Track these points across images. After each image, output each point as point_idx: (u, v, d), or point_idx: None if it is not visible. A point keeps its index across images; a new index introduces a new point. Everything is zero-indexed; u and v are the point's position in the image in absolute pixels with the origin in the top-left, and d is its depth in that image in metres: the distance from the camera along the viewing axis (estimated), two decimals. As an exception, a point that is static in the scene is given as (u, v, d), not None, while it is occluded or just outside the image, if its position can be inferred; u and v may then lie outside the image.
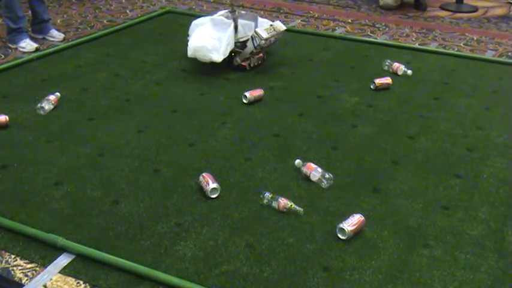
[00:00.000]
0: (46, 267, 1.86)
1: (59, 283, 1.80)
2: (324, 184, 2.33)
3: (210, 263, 1.89)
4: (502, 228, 2.12)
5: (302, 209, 2.14)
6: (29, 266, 1.87)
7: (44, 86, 3.19)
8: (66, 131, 2.74)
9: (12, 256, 1.91)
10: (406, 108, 3.08)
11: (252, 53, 3.43)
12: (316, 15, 4.86)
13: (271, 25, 3.41)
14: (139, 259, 1.89)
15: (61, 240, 1.94)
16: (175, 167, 2.45)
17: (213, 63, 3.35)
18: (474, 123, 2.94)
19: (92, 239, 1.99)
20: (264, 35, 3.30)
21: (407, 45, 4.10)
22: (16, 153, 2.52)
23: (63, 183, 2.31)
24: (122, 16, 4.61)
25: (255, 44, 3.33)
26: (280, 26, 3.46)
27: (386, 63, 3.57)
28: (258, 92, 3.11)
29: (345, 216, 2.07)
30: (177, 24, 4.33)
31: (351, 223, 2.03)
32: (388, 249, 1.99)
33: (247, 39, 3.40)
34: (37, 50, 3.75)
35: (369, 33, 4.40)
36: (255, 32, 3.31)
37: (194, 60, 3.42)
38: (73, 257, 1.91)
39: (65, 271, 1.85)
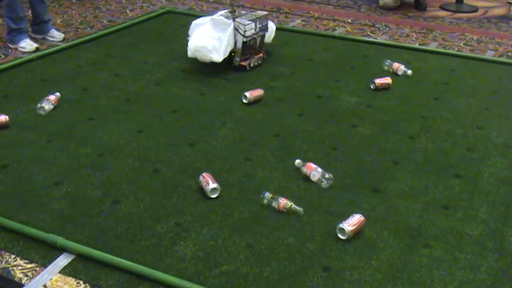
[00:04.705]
0: (46, 267, 1.86)
1: (59, 283, 1.80)
2: (324, 184, 2.33)
3: (210, 263, 1.90)
4: (502, 228, 2.12)
5: (302, 209, 2.15)
6: (29, 266, 1.87)
7: (44, 86, 3.19)
8: (66, 131, 2.74)
9: (12, 256, 1.91)
10: (406, 108, 3.08)
11: (244, 45, 3.41)
12: (316, 15, 4.86)
13: (252, 13, 3.51)
14: (139, 259, 1.89)
15: (61, 240, 1.94)
16: (175, 167, 2.45)
17: (213, 63, 3.35)
18: (474, 123, 2.94)
19: (92, 239, 1.99)
20: (246, 22, 3.34)
21: (407, 45, 4.10)
22: (16, 153, 2.52)
23: (63, 183, 2.31)
24: (122, 16, 4.61)
25: (241, 33, 3.33)
26: (260, 12, 3.60)
27: (387, 63, 3.58)
28: (258, 92, 3.11)
29: (345, 216, 2.07)
30: (177, 24, 4.33)
31: (351, 223, 2.03)
32: (388, 249, 1.99)
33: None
34: (37, 50, 3.75)
35: (369, 33, 4.40)
36: (237, 21, 3.33)
37: (194, 60, 3.43)
38: (73, 257, 1.91)
39: (65, 271, 1.85)
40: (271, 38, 3.71)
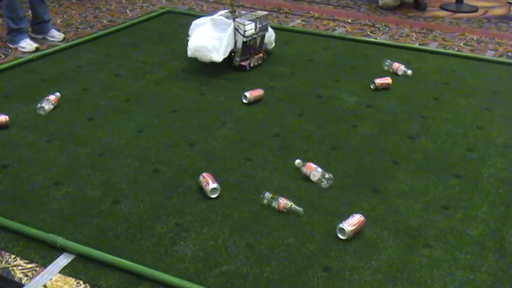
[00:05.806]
0: (46, 267, 1.86)
1: (59, 283, 1.80)
2: (324, 184, 2.33)
3: (210, 263, 1.90)
4: (502, 228, 2.12)
5: (302, 209, 2.15)
6: (29, 266, 1.87)
7: (44, 86, 3.19)
8: (66, 131, 2.74)
9: (12, 256, 1.91)
10: (406, 108, 3.08)
11: (244, 45, 3.41)
12: (316, 15, 4.86)
13: (252, 13, 3.51)
14: (139, 259, 1.89)
15: (61, 240, 1.94)
16: (175, 167, 2.45)
17: (213, 63, 3.35)
18: (474, 123, 2.94)
19: (92, 239, 1.99)
20: (246, 22, 3.34)
21: (407, 45, 4.10)
22: (16, 153, 2.52)
23: (63, 183, 2.31)
24: (121, 16, 4.61)
25: (241, 33, 3.33)
26: (260, 12, 3.60)
27: (387, 63, 3.58)
28: (258, 92, 3.11)
29: (345, 216, 2.07)
30: (177, 24, 4.34)
31: (351, 223, 2.03)
32: (388, 249, 1.99)
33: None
34: (37, 50, 3.75)
35: (369, 33, 4.40)
36: (237, 21, 3.33)
37: (194, 60, 3.43)
38: (73, 257, 1.91)
39: (65, 271, 1.85)
40: (271, 46, 3.73)
